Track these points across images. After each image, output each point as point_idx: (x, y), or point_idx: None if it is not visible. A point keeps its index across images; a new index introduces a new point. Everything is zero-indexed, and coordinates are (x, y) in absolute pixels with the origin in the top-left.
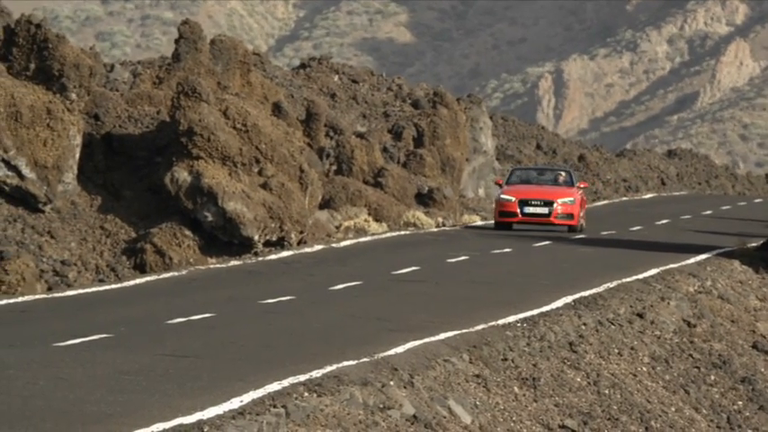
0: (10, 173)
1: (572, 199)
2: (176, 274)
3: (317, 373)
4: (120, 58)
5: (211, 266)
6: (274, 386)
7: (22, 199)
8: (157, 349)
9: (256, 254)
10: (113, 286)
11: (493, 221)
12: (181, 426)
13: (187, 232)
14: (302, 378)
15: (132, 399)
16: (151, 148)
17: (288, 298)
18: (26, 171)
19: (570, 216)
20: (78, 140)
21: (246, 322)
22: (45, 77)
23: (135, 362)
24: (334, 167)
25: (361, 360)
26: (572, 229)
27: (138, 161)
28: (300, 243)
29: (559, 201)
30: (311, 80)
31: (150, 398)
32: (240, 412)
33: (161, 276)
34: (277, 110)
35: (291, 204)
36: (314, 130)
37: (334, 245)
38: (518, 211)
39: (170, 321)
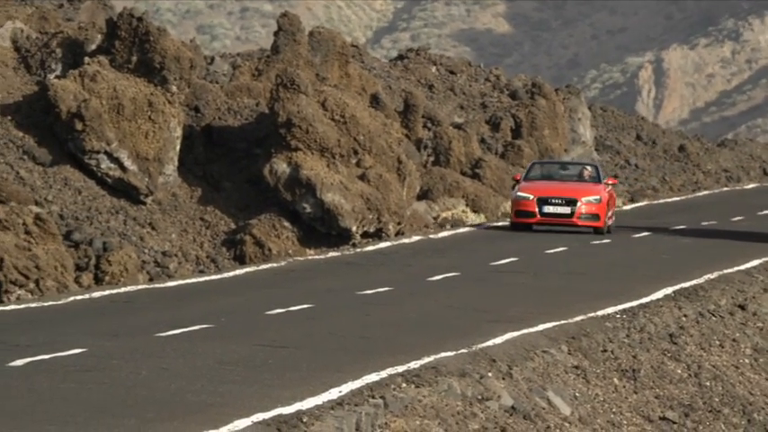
0: (112, 165)
1: (598, 197)
2: (275, 265)
3: (414, 364)
4: (219, 50)
5: (310, 258)
6: (372, 377)
7: (124, 191)
8: (257, 340)
9: (354, 245)
10: (213, 277)
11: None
12: (280, 416)
13: (286, 224)
14: (400, 369)
15: (232, 389)
16: (250, 140)
17: (386, 289)
18: (128, 163)
19: (595, 217)
20: (179, 132)
21: (344, 313)
22: (146, 70)
23: (235, 352)
24: (431, 158)
25: (460, 351)
26: (597, 231)
27: (237, 153)
28: (398, 234)
29: (583, 199)
30: (409, 71)
31: (250, 388)
32: (338, 403)
33: (260, 267)
34: (375, 101)
35: (389, 195)
36: (411, 122)
37: (431, 236)
38: (536, 210)
39: (269, 312)
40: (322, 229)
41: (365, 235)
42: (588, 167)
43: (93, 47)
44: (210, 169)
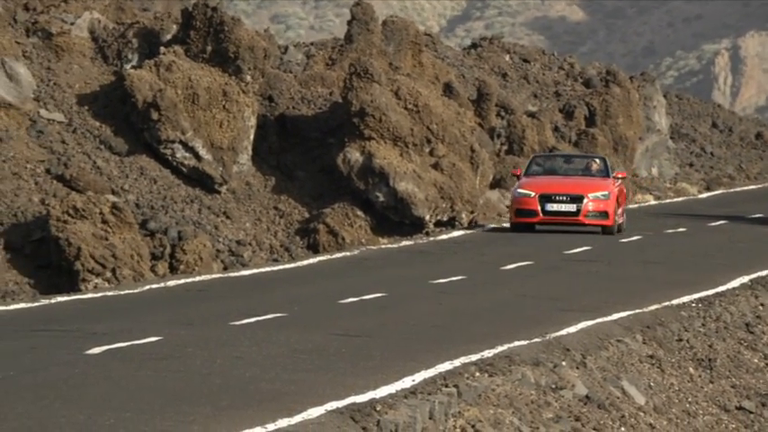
0: (187, 154)
1: (606, 193)
2: (348, 254)
3: (488, 353)
4: (294, 39)
5: (383, 246)
6: (446, 366)
7: (199, 180)
8: (330, 328)
9: (427, 234)
10: (287, 266)
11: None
12: (353, 404)
13: (359, 212)
14: (473, 358)
15: (306, 377)
16: (324, 129)
17: (459, 278)
18: (203, 152)
19: (604, 215)
20: (253, 122)
21: (418, 302)
22: (221, 60)
23: (309, 341)
24: (504, 147)
25: (533, 340)
26: (606, 230)
27: (310, 142)
28: (471, 223)
29: (590, 195)
30: (482, 60)
31: (323, 376)
32: (412, 391)
33: (334, 256)
34: (448, 90)
35: (462, 184)
36: (485, 110)
37: (504, 224)
38: (538, 208)
39: (342, 301)
40: (395, 217)
41: (438, 224)
42: (596, 160)
43: (169, 37)
44: (284, 158)
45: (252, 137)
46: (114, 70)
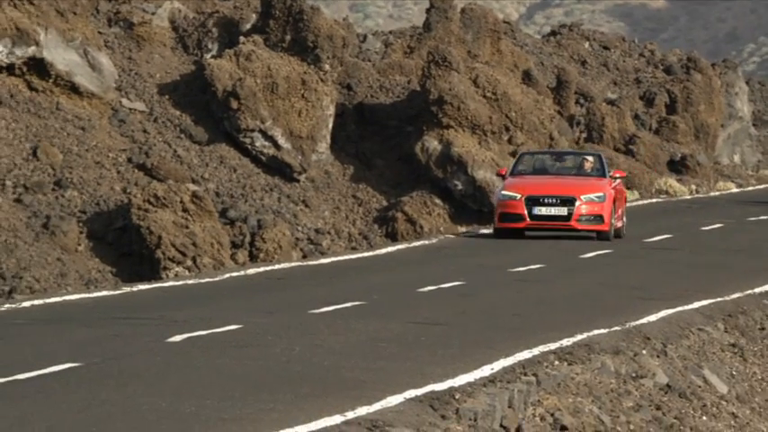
0: (267, 143)
1: (601, 194)
2: (426, 242)
3: (567, 342)
4: (372, 28)
5: (461, 234)
6: (525, 354)
7: (278, 169)
8: (409, 317)
9: None
10: (366, 254)
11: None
12: (432, 392)
13: (437, 200)
14: (553, 346)
15: (385, 365)
16: (402, 118)
17: (538, 266)
18: (282, 141)
19: (598, 218)
20: (331, 111)
21: (496, 290)
22: (300, 49)
23: (387, 329)
24: (584, 135)
25: (613, 329)
26: (602, 236)
27: (389, 130)
28: None
29: (583, 197)
30: (562, 47)
31: (403, 365)
32: (491, 380)
33: (412, 244)
34: (527, 78)
35: None
36: (564, 98)
37: None
38: (525, 212)
39: (421, 289)
40: (473, 205)
41: None
42: (589, 158)
43: (248, 26)
44: (362, 147)
45: (330, 125)
46: (194, 60)
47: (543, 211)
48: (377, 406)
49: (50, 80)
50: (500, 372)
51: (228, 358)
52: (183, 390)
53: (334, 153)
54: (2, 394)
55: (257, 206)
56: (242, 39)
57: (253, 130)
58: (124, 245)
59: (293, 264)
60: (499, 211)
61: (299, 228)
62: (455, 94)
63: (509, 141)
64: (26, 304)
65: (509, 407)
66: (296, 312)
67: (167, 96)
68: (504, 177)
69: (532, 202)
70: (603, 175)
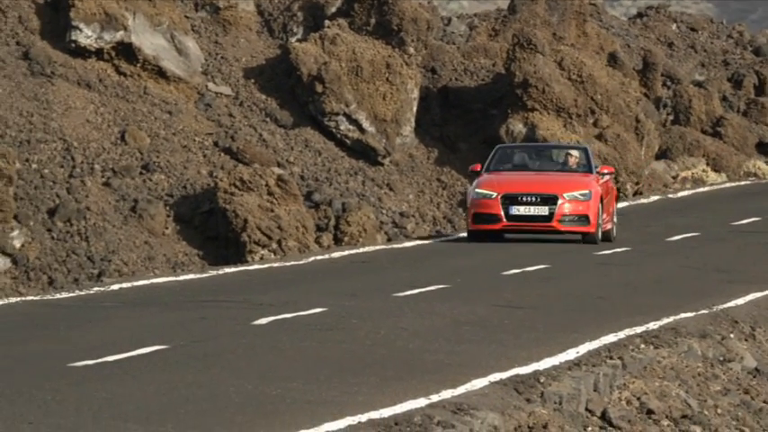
0: (351, 127)
1: (586, 192)
2: None
3: (653, 325)
4: (456, 11)
5: None
6: (610, 338)
7: (363, 152)
8: (493, 300)
9: None
10: (450, 238)
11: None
12: (517, 376)
13: None
14: (638, 330)
15: (469, 349)
16: (486, 101)
17: (623, 249)
18: (366, 125)
19: (583, 219)
20: (416, 94)
21: (581, 274)
22: (384, 32)
23: (471, 312)
24: (671, 117)
25: (700, 312)
26: (587, 239)
27: (473, 114)
28: (636, 194)
29: (566, 195)
30: (648, 29)
31: (487, 348)
32: (576, 363)
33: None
34: (613, 60)
35: (627, 155)
36: (650, 80)
37: (670, 195)
38: (501, 212)
39: (505, 272)
40: None
41: None
42: (574, 152)
43: (333, 10)
44: (447, 130)
45: (415, 109)
46: (280, 44)
47: (522, 210)
48: (461, 389)
49: (138, 64)
50: (585, 355)
51: (313, 341)
52: (268, 372)
53: (418, 136)
54: (91, 376)
55: (342, 189)
56: (327, 22)
57: (337, 114)
58: (210, 228)
59: (377, 247)
60: (472, 211)
61: (384, 211)
62: (540, 76)
63: (594, 124)
64: (114, 287)
65: (594, 390)
66: (380, 295)
67: (253, 80)
68: (478, 174)
69: (510, 200)
70: (590, 171)
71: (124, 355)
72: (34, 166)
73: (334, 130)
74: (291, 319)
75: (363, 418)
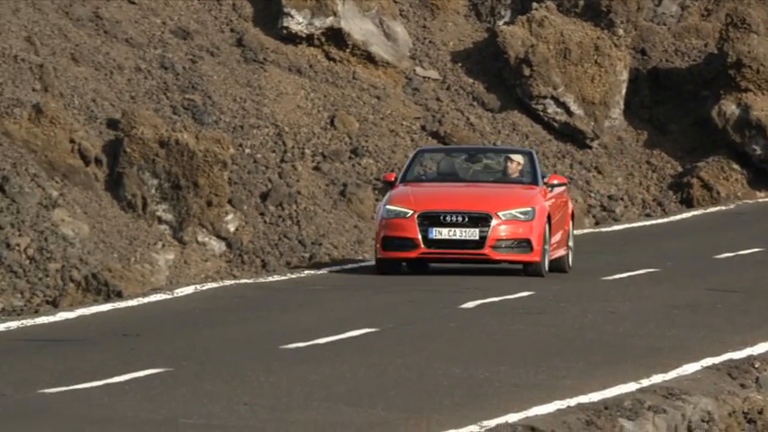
0: (558, 110)
1: (528, 210)
2: (723, 208)
3: None
4: None
5: (760, 200)
6: None
7: (571, 135)
8: (705, 284)
9: None
10: (659, 221)
11: None
12: (731, 361)
13: (735, 166)
14: None
15: (680, 333)
16: (698, 82)
17: None
18: (574, 107)
19: (523, 245)
20: (625, 76)
21: None
22: (593, 14)
23: (682, 296)
24: None
25: None
26: (530, 270)
27: (684, 95)
28: None
29: (502, 215)
30: None
31: (698, 333)
32: None
33: (707, 210)
34: None
35: None
36: None
37: None
38: (418, 236)
39: (717, 256)
40: None
41: None
42: (515, 157)
43: None
44: (656, 112)
45: (624, 91)
46: (487, 27)
47: (444, 233)
48: (672, 374)
49: (347, 50)
50: None
51: (521, 324)
52: (476, 355)
53: (627, 119)
54: (303, 358)
55: (549, 172)
56: (534, 5)
57: (545, 97)
58: None
59: (586, 230)
60: (381, 234)
61: (592, 194)
62: (754, 56)
63: None
64: (323, 271)
65: None
66: (588, 279)
67: (460, 64)
68: (392, 185)
69: (429, 220)
70: (535, 183)
71: (335, 337)
72: (247, 151)
73: (541, 114)
74: (498, 302)
75: (572, 402)
